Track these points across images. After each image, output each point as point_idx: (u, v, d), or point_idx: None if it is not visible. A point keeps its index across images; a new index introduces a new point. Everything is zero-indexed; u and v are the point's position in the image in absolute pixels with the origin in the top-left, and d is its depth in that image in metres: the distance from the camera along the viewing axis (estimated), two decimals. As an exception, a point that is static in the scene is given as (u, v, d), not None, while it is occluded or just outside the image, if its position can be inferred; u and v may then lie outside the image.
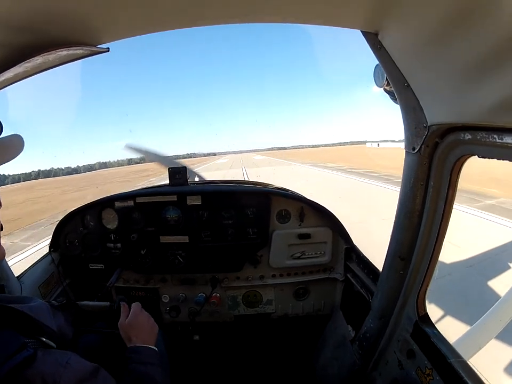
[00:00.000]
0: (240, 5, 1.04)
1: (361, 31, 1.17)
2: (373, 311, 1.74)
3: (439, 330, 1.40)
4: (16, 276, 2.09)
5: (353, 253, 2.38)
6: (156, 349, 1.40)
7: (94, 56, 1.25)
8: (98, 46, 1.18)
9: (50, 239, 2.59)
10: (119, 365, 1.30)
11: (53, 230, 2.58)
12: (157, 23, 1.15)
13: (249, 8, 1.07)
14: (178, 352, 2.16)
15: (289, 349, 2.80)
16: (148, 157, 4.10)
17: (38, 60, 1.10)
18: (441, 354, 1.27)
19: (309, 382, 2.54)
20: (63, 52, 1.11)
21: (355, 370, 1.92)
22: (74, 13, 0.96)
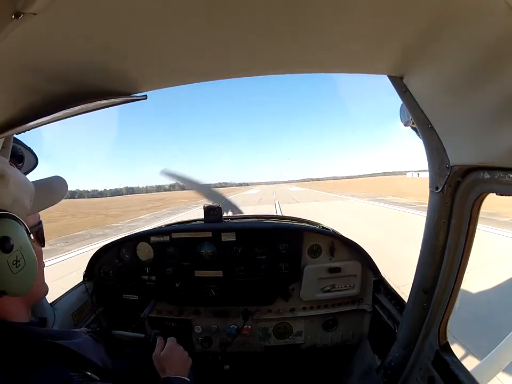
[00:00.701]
0: (271, 58, 1.13)
1: (387, 76, 1.25)
2: (398, 341, 1.78)
3: (459, 359, 1.44)
4: (50, 302, 2.15)
5: (381, 285, 2.42)
6: (189, 380, 1.43)
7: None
8: (135, 95, 1.26)
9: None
10: None
11: (88, 260, 2.67)
12: (192, 75, 1.25)
13: (279, 62, 1.16)
14: (208, 382, 2.20)
15: (317, 379, 2.81)
16: (184, 183, 4.21)
17: (77, 108, 1.17)
18: (458, 381, 1.31)
19: None
20: (103, 101, 1.19)
21: None
22: (113, 66, 1.04)
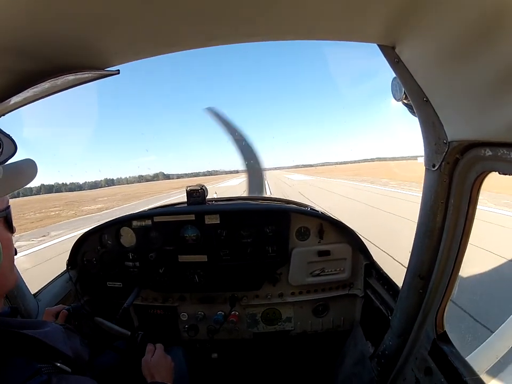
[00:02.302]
0: (252, 23, 1.02)
1: (377, 44, 1.15)
2: (392, 330, 1.72)
3: (457, 348, 1.38)
4: (33, 293, 2.09)
5: (373, 269, 2.35)
6: None
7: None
8: (107, 69, 1.17)
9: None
10: None
11: (70, 248, 2.60)
12: (167, 45, 1.14)
13: (262, 27, 1.05)
14: (196, 370, 2.14)
15: (308, 366, 2.77)
16: (226, 127, 4.13)
17: (45, 85, 1.09)
18: (457, 373, 1.26)
19: None
20: (71, 77, 1.10)
21: None
22: (81, 38, 0.95)
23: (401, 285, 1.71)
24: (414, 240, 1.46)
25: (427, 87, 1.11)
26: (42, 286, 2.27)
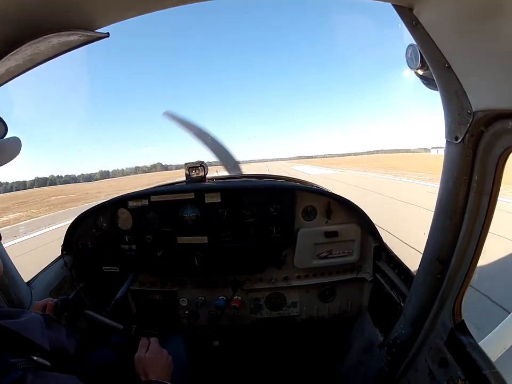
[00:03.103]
0: None
1: (393, 5, 1.05)
2: (405, 317, 1.63)
3: (475, 340, 1.29)
4: (26, 281, 2.02)
5: (383, 252, 2.23)
6: None
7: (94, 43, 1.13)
8: (94, 32, 1.05)
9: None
10: None
11: (65, 232, 2.49)
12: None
13: None
14: (197, 358, 2.05)
15: (314, 353, 2.68)
16: (186, 127, 4.02)
17: (27, 51, 1.00)
18: (476, 366, 1.18)
19: None
20: (54, 39, 0.99)
21: (382, 376, 1.82)
22: None
23: (414, 270, 1.63)
24: (433, 220, 1.35)
25: (449, 52, 1.01)
26: (36, 274, 2.18)
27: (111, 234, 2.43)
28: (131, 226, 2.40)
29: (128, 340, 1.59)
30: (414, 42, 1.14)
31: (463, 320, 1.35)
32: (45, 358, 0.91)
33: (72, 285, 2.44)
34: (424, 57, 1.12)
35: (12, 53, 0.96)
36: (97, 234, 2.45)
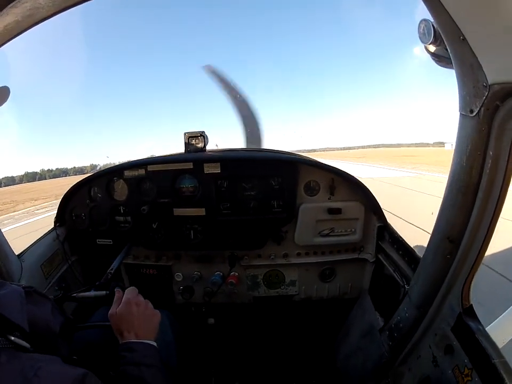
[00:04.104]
0: None
1: None
2: (410, 299, 1.55)
3: (484, 326, 1.22)
4: (17, 254, 1.94)
5: (386, 232, 2.15)
6: (155, 344, 1.17)
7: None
8: None
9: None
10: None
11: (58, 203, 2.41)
12: None
13: None
14: (191, 336, 2.00)
15: (311, 335, 2.62)
16: (225, 86, 3.90)
17: (26, 4, 0.96)
18: (485, 354, 1.11)
19: (330, 372, 2.36)
20: None
21: (382, 362, 1.75)
22: None
23: (419, 251, 1.57)
24: (444, 197, 1.28)
25: (464, 23, 0.95)
26: (28, 246, 2.11)
27: (106, 206, 2.36)
28: (126, 197, 2.32)
29: (110, 299, 1.40)
30: (427, 17, 1.10)
31: (472, 304, 1.28)
32: (24, 338, 0.83)
33: (65, 258, 2.37)
34: (438, 30, 1.08)
35: (10, 5, 0.93)
36: (91, 205, 2.38)
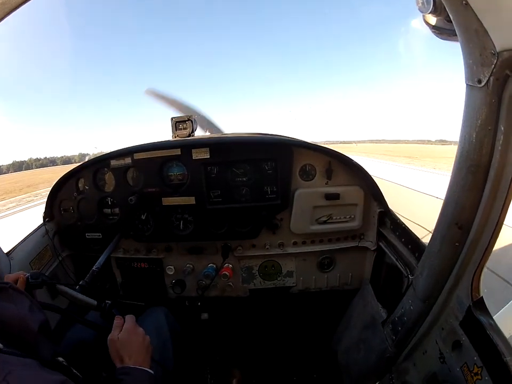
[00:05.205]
0: None
1: None
2: (415, 291, 1.46)
3: (496, 321, 1.11)
4: (6, 251, 1.91)
5: (387, 218, 2.04)
6: (152, 372, 1.21)
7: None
8: None
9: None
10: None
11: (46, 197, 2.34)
12: None
13: None
14: (183, 333, 1.91)
15: (310, 328, 2.53)
16: (171, 104, 3.89)
17: None
18: (496, 351, 1.02)
19: (330, 366, 2.29)
20: None
21: (385, 357, 1.67)
22: None
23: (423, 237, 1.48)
24: (452, 178, 1.17)
25: None
26: (17, 243, 2.05)
27: (93, 198, 2.27)
28: (113, 188, 2.24)
29: (103, 316, 1.41)
30: None
31: (482, 296, 1.18)
32: None
33: (55, 254, 2.31)
34: None
35: None
36: (79, 198, 2.30)
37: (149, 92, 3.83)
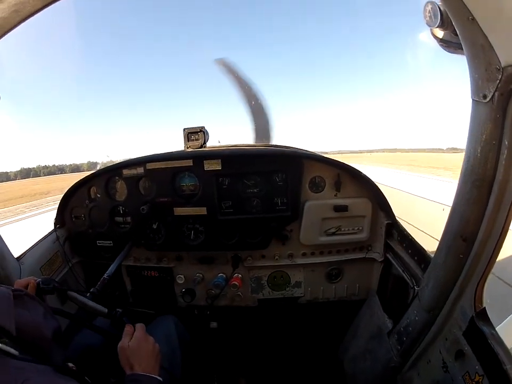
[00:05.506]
0: None
1: None
2: (420, 302, 1.48)
3: (497, 331, 1.14)
4: (16, 256, 1.92)
5: (395, 230, 2.06)
6: (161, 379, 1.23)
7: None
8: None
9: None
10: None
11: (58, 204, 2.37)
12: None
13: None
14: (193, 341, 1.94)
15: (317, 338, 2.54)
16: (237, 81, 3.85)
17: None
18: (497, 360, 1.05)
19: (337, 375, 2.29)
20: None
21: (390, 366, 1.68)
22: None
23: (430, 249, 1.51)
24: (457, 192, 1.20)
25: (472, 3, 0.90)
26: (27, 248, 2.07)
27: (105, 206, 2.31)
28: (126, 197, 2.27)
29: (113, 324, 1.44)
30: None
31: (485, 307, 1.20)
32: (13, 344, 0.78)
33: (65, 260, 2.33)
34: (445, 11, 1.02)
35: None
36: (90, 205, 2.33)
37: (220, 62, 3.78)
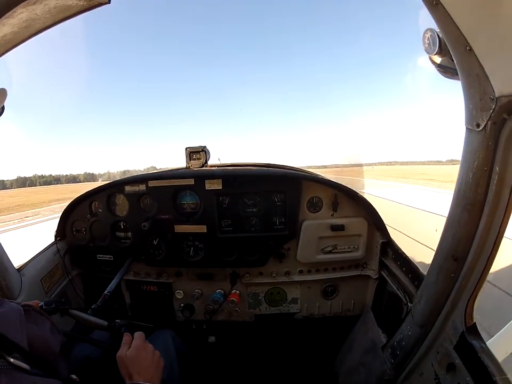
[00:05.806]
0: None
1: None
2: (413, 318, 1.53)
3: (487, 345, 1.20)
4: (17, 267, 1.94)
5: (389, 248, 2.13)
6: None
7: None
8: None
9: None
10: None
11: (59, 217, 2.40)
12: None
13: None
14: (191, 355, 1.95)
15: (313, 352, 2.57)
16: None
17: (22, 15, 0.96)
18: (487, 372, 1.09)
19: None
20: (51, 2, 0.96)
21: (384, 379, 1.72)
22: None
23: (423, 267, 1.55)
24: (449, 214, 1.25)
25: (470, 33, 0.94)
26: (28, 260, 2.10)
27: (106, 221, 2.34)
28: (127, 213, 2.31)
29: (113, 336, 1.44)
30: (431, 26, 1.07)
31: (475, 323, 1.26)
32: (24, 358, 0.80)
33: (65, 272, 2.36)
34: (444, 40, 1.05)
35: (6, 15, 0.92)
36: (91, 220, 2.36)
37: None
